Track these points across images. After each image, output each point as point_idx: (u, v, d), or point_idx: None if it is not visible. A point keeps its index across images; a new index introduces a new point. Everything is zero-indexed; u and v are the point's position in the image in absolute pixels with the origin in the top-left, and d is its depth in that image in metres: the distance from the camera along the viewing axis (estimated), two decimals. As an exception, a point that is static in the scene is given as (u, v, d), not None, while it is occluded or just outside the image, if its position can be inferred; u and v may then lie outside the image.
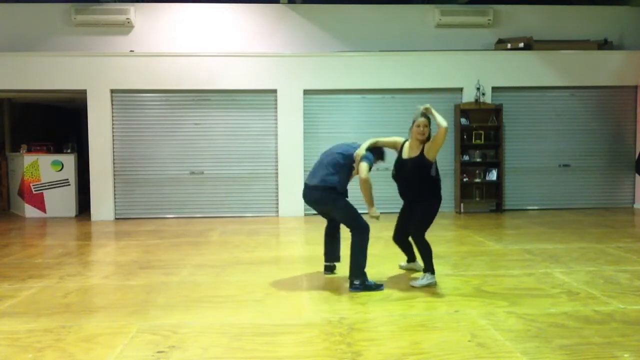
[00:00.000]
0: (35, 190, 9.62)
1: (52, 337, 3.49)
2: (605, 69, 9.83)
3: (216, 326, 3.68)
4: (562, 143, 9.97)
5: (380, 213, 4.61)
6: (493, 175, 9.62)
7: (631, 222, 8.30)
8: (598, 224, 8.06)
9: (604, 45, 10.04)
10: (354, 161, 4.59)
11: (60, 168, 9.65)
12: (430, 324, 3.69)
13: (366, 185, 4.45)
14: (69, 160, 9.69)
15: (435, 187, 4.66)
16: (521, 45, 9.73)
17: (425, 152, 4.54)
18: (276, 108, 9.51)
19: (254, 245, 6.72)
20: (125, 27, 9.69)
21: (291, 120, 9.45)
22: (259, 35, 9.85)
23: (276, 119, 9.52)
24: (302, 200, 4.86)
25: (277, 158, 9.52)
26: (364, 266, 4.54)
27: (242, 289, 4.63)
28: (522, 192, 9.93)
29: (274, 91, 9.50)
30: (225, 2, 9.96)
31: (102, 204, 9.31)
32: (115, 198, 9.42)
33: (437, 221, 4.98)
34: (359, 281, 4.50)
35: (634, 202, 10.06)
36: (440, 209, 4.75)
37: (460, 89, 9.72)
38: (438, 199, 4.69)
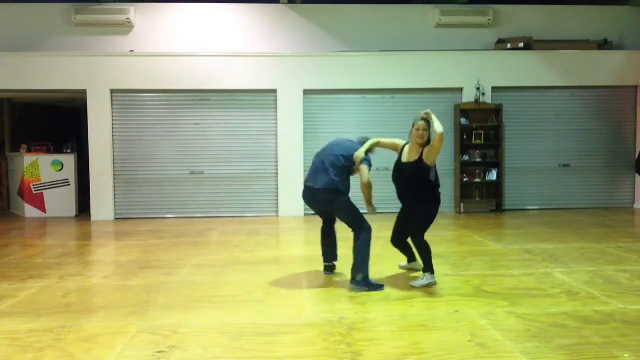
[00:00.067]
0: (35, 190, 9.62)
1: (52, 337, 3.49)
2: (605, 69, 9.83)
3: (216, 326, 3.68)
4: (562, 143, 9.97)
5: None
6: (493, 175, 9.62)
7: (631, 222, 8.30)
8: (598, 224, 8.06)
9: (604, 45, 10.04)
10: (354, 163, 4.64)
11: (60, 168, 9.65)
12: (430, 324, 3.69)
13: (368, 188, 4.59)
14: (69, 160, 9.69)
15: (434, 191, 4.67)
16: (521, 45, 9.73)
17: (424, 157, 4.55)
18: (276, 108, 9.52)
19: (254, 245, 6.72)
20: (125, 27, 9.69)
21: (291, 120, 9.46)
22: (259, 35, 9.85)
23: (276, 119, 9.52)
24: (302, 201, 4.87)
25: (277, 158, 9.53)
26: (367, 263, 4.56)
27: (242, 289, 4.63)
28: (522, 192, 9.93)
29: (274, 91, 9.50)
30: (225, 2, 9.96)
31: (102, 204, 9.31)
32: (115, 198, 9.42)
33: (437, 221, 4.98)
34: (362, 276, 4.50)
35: (634, 202, 10.06)
36: (440, 209, 4.76)
37: (460, 89, 9.72)
38: (437, 203, 4.70)
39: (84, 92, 9.30)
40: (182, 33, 9.76)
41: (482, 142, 9.56)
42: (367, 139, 4.90)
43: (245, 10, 9.87)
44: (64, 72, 9.21)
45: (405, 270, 5.20)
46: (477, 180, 9.61)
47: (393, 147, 4.88)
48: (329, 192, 4.59)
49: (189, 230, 8.01)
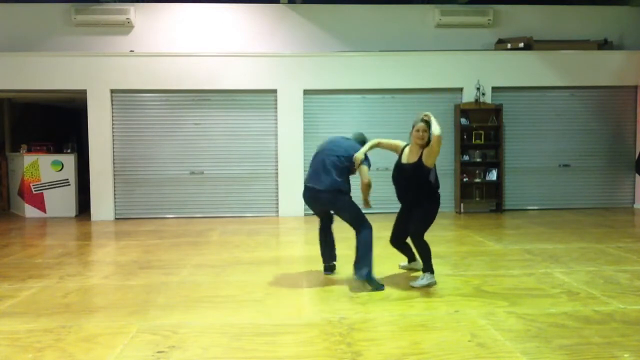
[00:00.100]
0: (35, 190, 9.62)
1: (52, 337, 3.49)
2: (605, 69, 9.83)
3: (216, 326, 3.68)
4: (562, 143, 9.97)
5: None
6: (493, 175, 9.62)
7: (631, 222, 8.30)
8: (598, 224, 8.06)
9: (604, 45, 10.04)
10: (353, 163, 4.69)
11: (60, 168, 9.65)
12: (430, 324, 3.69)
13: (368, 187, 4.68)
14: (69, 160, 9.69)
15: (434, 192, 4.68)
16: (521, 45, 9.73)
17: (423, 158, 4.55)
18: (276, 108, 9.52)
19: (254, 245, 6.72)
20: (125, 27, 9.69)
21: (291, 120, 9.46)
22: (259, 35, 9.85)
23: (276, 119, 9.52)
24: (302, 201, 4.89)
25: (277, 158, 9.53)
26: (371, 259, 4.60)
27: (242, 289, 4.63)
28: (522, 192, 9.93)
29: (274, 91, 9.50)
30: (225, 2, 9.96)
31: (102, 204, 9.31)
32: (115, 198, 9.42)
33: (437, 221, 4.99)
34: (367, 270, 4.53)
35: (634, 202, 10.06)
36: (440, 209, 4.78)
37: (460, 89, 9.72)
38: (436, 204, 4.71)
39: (84, 92, 9.30)
40: (182, 33, 9.76)
41: (482, 142, 9.56)
42: (362, 135, 4.99)
43: (245, 10, 9.87)
44: (64, 72, 9.22)
45: (405, 270, 5.20)
46: (477, 180, 9.61)
47: (393, 148, 4.90)
48: (332, 192, 4.64)
49: (189, 230, 8.01)
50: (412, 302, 4.18)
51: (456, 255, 5.90)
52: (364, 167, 4.65)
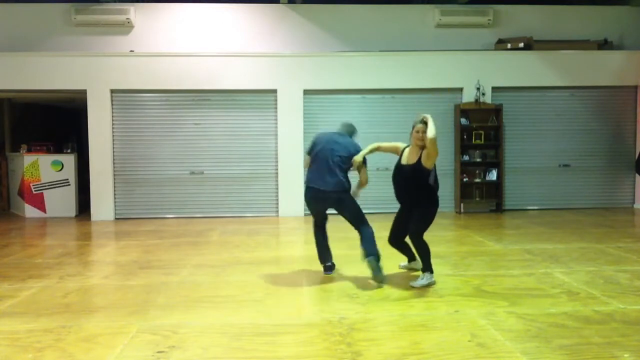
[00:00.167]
0: (35, 190, 9.62)
1: (52, 337, 3.49)
2: (605, 69, 9.83)
3: (216, 326, 3.68)
4: (562, 143, 9.97)
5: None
6: (493, 175, 9.62)
7: (631, 222, 8.30)
8: (598, 224, 8.06)
9: (604, 45, 10.04)
10: (352, 164, 4.87)
11: (60, 168, 9.65)
12: (430, 324, 3.69)
13: (364, 185, 4.97)
14: (69, 160, 9.69)
15: (433, 194, 4.69)
16: (521, 45, 9.73)
17: (422, 160, 4.56)
18: (276, 108, 9.52)
19: (254, 245, 6.72)
20: (125, 27, 9.69)
21: (291, 120, 9.45)
22: (259, 35, 9.85)
23: (276, 119, 9.52)
24: (302, 201, 4.93)
25: (277, 158, 9.53)
26: (377, 249, 4.76)
27: (242, 289, 4.63)
28: (522, 192, 9.93)
29: (274, 91, 9.50)
30: (225, 2, 9.96)
31: (102, 204, 9.31)
32: (115, 198, 9.42)
33: (437, 221, 5.00)
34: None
35: (634, 202, 10.06)
36: (440, 209, 4.81)
37: (460, 89, 9.72)
38: (435, 206, 4.74)
39: (84, 92, 9.30)
40: (182, 33, 9.76)
41: (482, 142, 9.56)
42: (351, 126, 5.13)
43: (245, 10, 9.87)
44: (64, 72, 9.21)
45: (405, 270, 5.20)
46: (477, 180, 9.61)
47: (393, 150, 4.96)
48: (339, 192, 4.83)
49: (189, 230, 8.01)
50: (412, 302, 4.18)
51: (456, 255, 5.90)
52: (365, 169, 4.88)
